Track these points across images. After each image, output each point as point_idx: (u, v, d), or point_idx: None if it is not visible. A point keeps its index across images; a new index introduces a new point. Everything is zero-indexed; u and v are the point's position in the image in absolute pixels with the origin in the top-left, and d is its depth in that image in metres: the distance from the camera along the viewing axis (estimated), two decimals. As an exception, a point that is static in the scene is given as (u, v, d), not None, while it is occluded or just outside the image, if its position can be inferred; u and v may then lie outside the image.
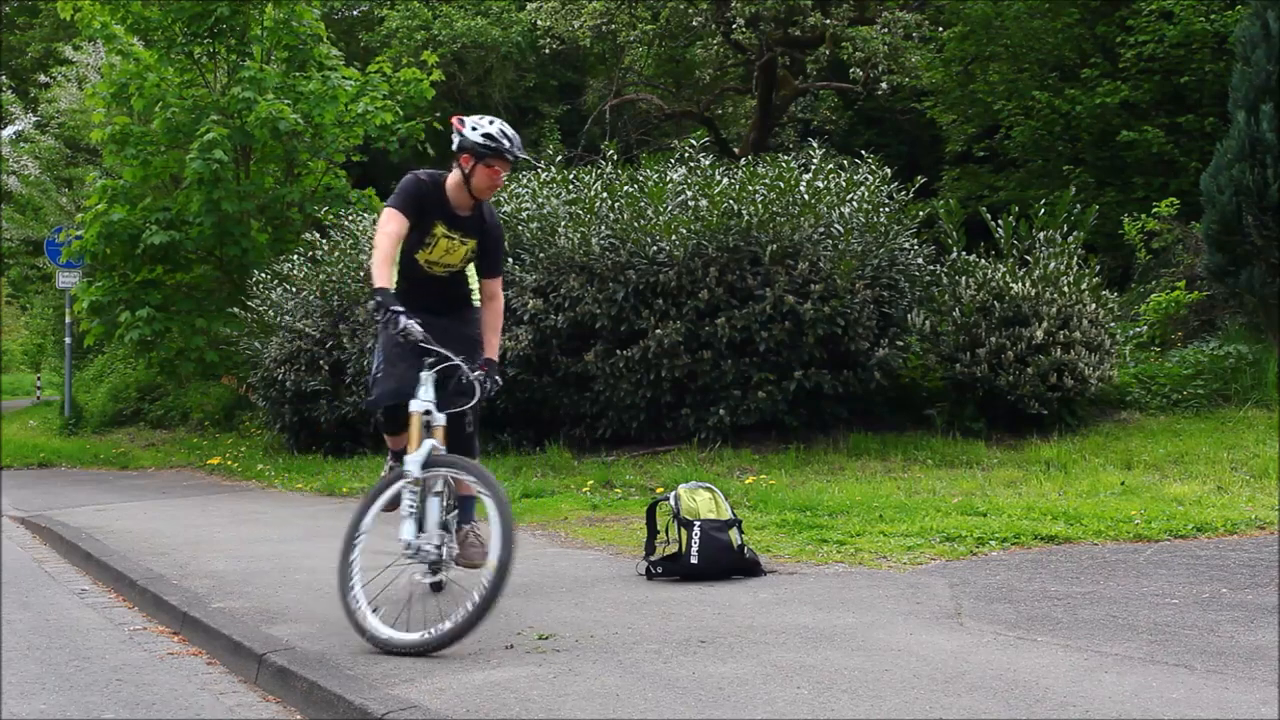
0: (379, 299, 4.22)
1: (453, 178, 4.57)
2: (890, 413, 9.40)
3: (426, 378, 4.32)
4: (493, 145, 4.46)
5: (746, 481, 7.65)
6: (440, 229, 4.56)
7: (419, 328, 4.21)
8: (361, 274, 10.65)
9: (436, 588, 4.42)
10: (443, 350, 4.30)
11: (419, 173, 4.60)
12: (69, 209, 19.80)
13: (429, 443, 4.22)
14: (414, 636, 3.95)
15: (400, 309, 4.21)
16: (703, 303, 8.66)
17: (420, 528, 4.17)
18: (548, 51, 19.21)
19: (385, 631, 4.02)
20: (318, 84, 14.25)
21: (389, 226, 4.40)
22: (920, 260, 9.32)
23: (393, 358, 4.48)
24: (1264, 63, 9.48)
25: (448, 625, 3.90)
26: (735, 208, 8.78)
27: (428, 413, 4.29)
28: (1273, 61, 9.44)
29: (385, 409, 4.62)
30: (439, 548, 4.17)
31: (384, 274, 4.29)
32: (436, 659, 3.89)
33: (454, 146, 4.52)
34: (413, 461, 4.18)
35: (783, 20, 16.12)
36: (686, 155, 10.00)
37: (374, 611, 4.08)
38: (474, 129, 4.49)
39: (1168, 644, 3.71)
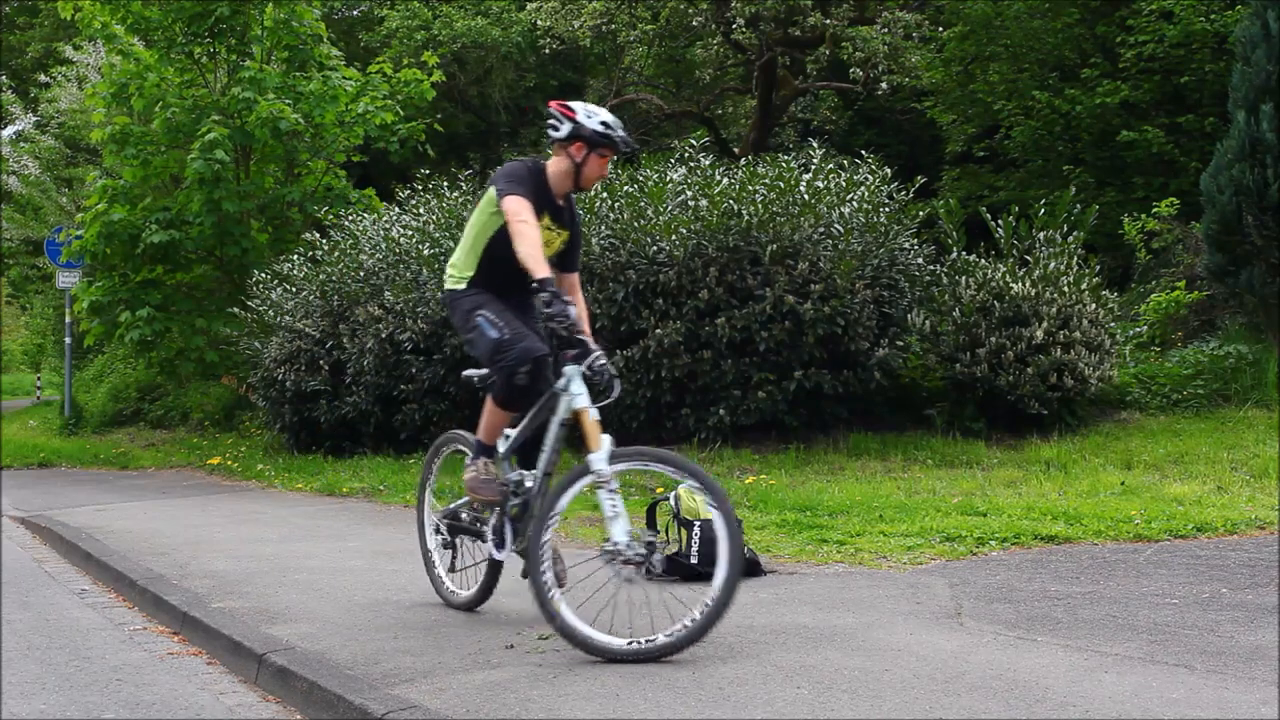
0: (550, 290, 3.98)
1: (556, 166, 4.42)
2: (890, 413, 9.40)
3: (575, 372, 4.16)
4: (608, 134, 4.34)
5: (746, 481, 7.65)
6: (546, 219, 4.40)
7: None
8: (361, 274, 10.67)
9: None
10: (594, 346, 4.19)
11: (524, 160, 4.45)
12: (69, 209, 19.81)
13: (607, 438, 4.04)
14: (620, 642, 3.78)
15: (569, 300, 4.03)
16: (703, 303, 8.66)
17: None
18: (548, 51, 19.21)
19: (582, 626, 3.83)
20: (318, 84, 14.26)
21: (529, 215, 4.15)
22: (920, 260, 9.32)
23: (514, 324, 4.30)
24: (1264, 63, 9.48)
25: (676, 633, 3.74)
26: (735, 208, 8.78)
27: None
28: (1273, 61, 9.44)
29: (534, 361, 4.24)
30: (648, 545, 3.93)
31: (543, 264, 4.06)
32: (436, 659, 3.89)
33: (561, 134, 4.35)
34: (599, 459, 3.99)
35: (783, 20, 16.12)
36: (686, 155, 10.00)
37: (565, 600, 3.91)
38: (590, 116, 4.35)
39: (1168, 644, 3.70)
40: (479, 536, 4.58)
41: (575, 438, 4.40)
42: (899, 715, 3.11)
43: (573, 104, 4.42)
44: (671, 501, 5.29)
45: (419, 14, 21.88)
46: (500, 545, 4.42)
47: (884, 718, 3.10)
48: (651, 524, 5.33)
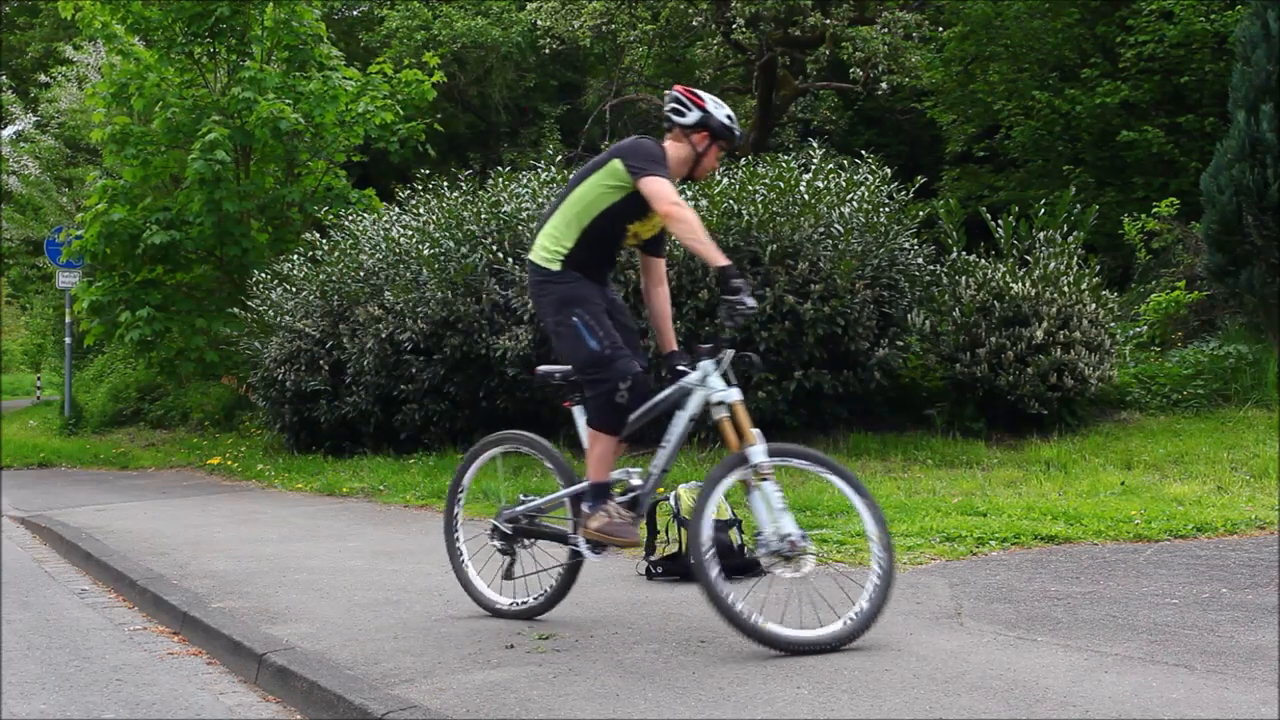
0: (735, 276, 3.89)
1: (676, 152, 4.31)
2: (890, 413, 9.40)
3: (711, 366, 4.09)
4: (731, 128, 4.32)
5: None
6: None
7: None
8: (361, 274, 10.66)
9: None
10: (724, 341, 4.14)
11: (649, 139, 4.30)
12: (69, 209, 19.81)
13: (756, 431, 3.99)
14: (808, 634, 3.80)
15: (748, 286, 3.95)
16: (703, 303, 8.66)
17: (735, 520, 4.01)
18: (548, 51, 19.20)
19: (783, 629, 3.81)
20: (318, 84, 14.26)
21: (680, 199, 4.04)
22: (920, 260, 9.31)
23: (612, 333, 4.14)
24: (1264, 63, 9.48)
25: (845, 625, 3.80)
26: (735, 208, 8.78)
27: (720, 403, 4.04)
28: (1273, 61, 9.44)
29: (634, 377, 4.12)
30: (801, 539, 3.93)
31: (721, 253, 3.97)
32: (436, 659, 3.89)
33: (688, 120, 4.27)
34: (759, 452, 3.93)
35: (783, 20, 16.11)
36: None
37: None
38: (718, 107, 4.29)
39: (1168, 644, 3.70)
40: (560, 539, 4.39)
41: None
42: (899, 715, 3.11)
43: (700, 92, 4.35)
44: (671, 501, 5.29)
45: (419, 14, 21.88)
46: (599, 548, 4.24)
47: (884, 718, 3.10)
48: (651, 524, 5.33)
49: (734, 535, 5.16)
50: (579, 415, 4.36)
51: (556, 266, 4.26)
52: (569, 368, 4.33)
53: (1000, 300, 8.60)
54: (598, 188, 4.25)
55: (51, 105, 21.35)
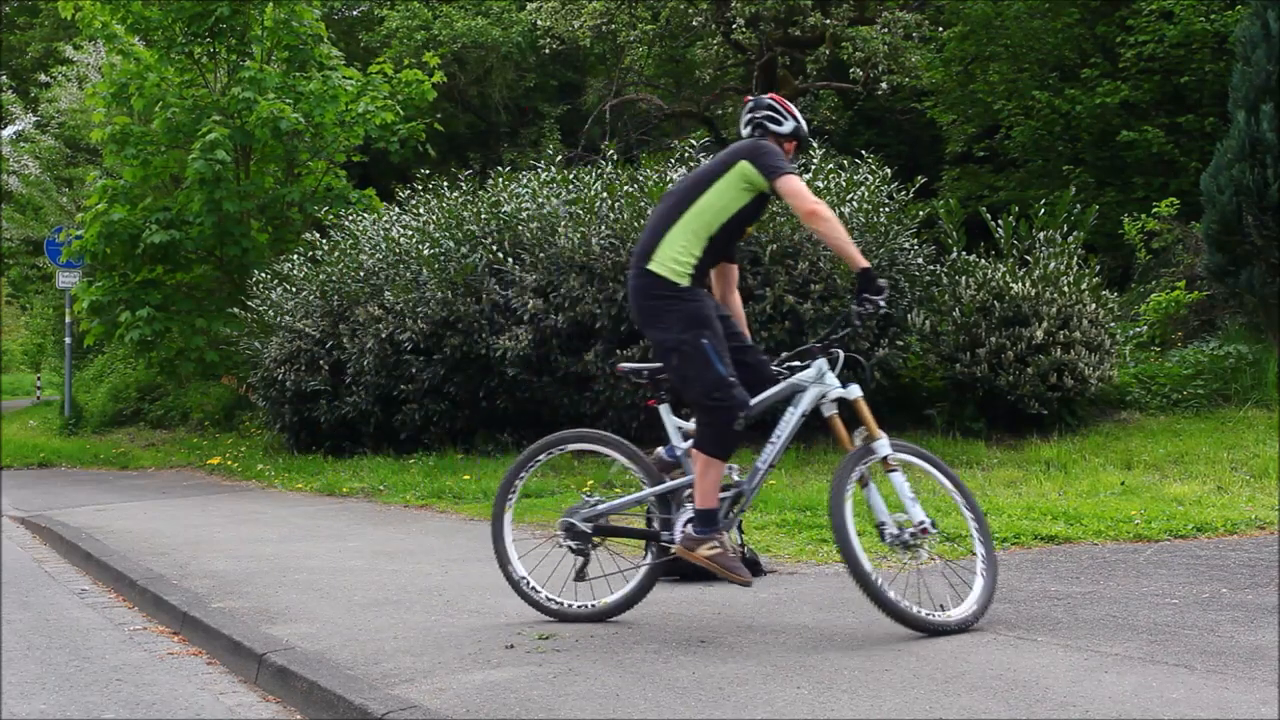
0: (879, 277, 3.98)
1: None
2: (890, 413, 9.38)
3: (825, 364, 4.20)
4: (809, 141, 4.39)
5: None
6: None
7: None
8: (361, 274, 10.66)
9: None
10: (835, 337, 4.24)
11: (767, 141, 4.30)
12: (69, 209, 19.82)
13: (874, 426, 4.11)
14: (940, 617, 3.96)
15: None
16: (703, 303, 8.65)
17: (879, 510, 4.09)
18: (548, 51, 19.20)
19: (925, 613, 3.97)
20: (318, 84, 14.26)
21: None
22: (920, 260, 9.32)
23: (728, 357, 4.11)
24: (1264, 63, 9.48)
25: (969, 608, 3.98)
26: (735, 208, 8.77)
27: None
28: (1273, 61, 9.44)
29: (752, 413, 4.15)
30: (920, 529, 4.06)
31: (858, 251, 4.08)
32: (436, 659, 3.89)
33: (784, 129, 4.31)
34: (884, 445, 4.07)
35: (783, 20, 16.12)
36: (686, 155, 10.00)
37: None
38: (804, 120, 4.37)
39: (1168, 644, 3.70)
40: (653, 538, 4.34)
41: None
42: (899, 715, 3.11)
43: (788, 103, 4.41)
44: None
45: (419, 14, 21.89)
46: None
47: (884, 718, 3.10)
48: (651, 523, 5.32)
49: (734, 535, 5.15)
50: (666, 414, 4.35)
51: (685, 282, 4.16)
52: (658, 365, 4.30)
53: (1000, 300, 8.60)
54: (728, 193, 4.19)
55: (51, 105, 21.36)
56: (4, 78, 24.96)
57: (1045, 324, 8.44)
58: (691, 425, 4.27)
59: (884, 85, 16.30)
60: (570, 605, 4.40)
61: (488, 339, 9.43)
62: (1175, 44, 13.37)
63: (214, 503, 9.10)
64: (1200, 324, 10.37)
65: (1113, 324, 9.01)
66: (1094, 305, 8.71)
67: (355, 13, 25.00)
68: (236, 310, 13.03)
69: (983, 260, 8.96)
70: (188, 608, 4.88)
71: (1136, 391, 9.14)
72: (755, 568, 5.14)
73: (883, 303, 4.04)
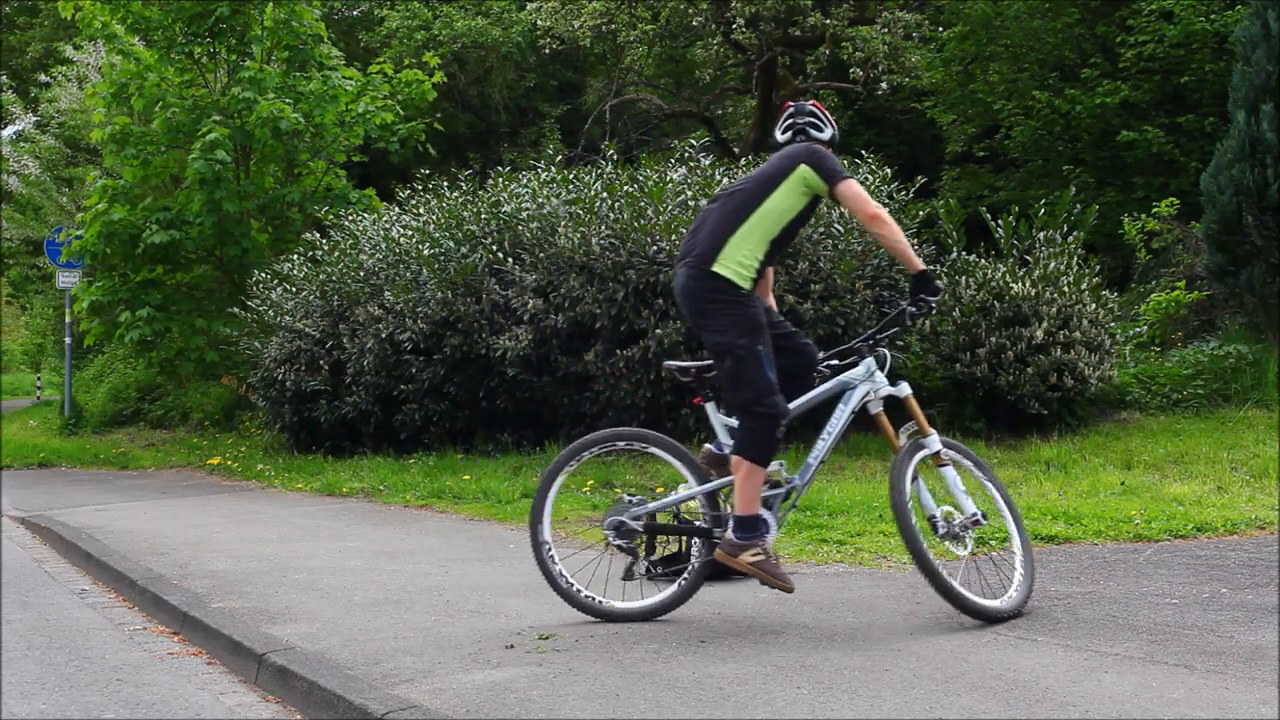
0: (936, 278, 4.12)
1: None
2: (890, 412, 9.39)
3: (873, 363, 4.35)
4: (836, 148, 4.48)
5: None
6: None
7: None
8: (361, 274, 10.66)
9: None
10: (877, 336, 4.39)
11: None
12: (69, 209, 19.83)
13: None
14: (994, 604, 4.12)
15: None
16: (703, 303, 8.65)
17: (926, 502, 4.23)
18: (548, 51, 19.19)
19: (987, 601, 4.13)
20: (318, 84, 14.26)
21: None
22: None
23: (773, 366, 4.16)
24: (1264, 63, 9.47)
25: (1018, 598, 4.15)
26: (735, 208, 8.77)
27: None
28: (1273, 61, 9.44)
29: (792, 417, 4.24)
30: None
31: (915, 254, 4.29)
32: (436, 659, 3.89)
33: (824, 136, 4.42)
34: (935, 441, 4.26)
35: (783, 20, 16.10)
36: (686, 155, 10.00)
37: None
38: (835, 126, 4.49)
39: (1168, 644, 3.70)
40: (703, 535, 4.36)
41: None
42: (899, 715, 3.11)
43: (827, 111, 4.52)
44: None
45: (419, 14, 21.88)
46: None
47: (884, 718, 3.10)
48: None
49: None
50: (712, 411, 4.38)
51: (748, 286, 4.21)
52: (705, 364, 4.35)
53: (1000, 300, 8.60)
54: (789, 197, 4.26)
55: (51, 105, 21.36)
56: (4, 78, 24.96)
57: (1045, 324, 8.44)
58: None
59: (884, 85, 16.29)
60: (616, 605, 4.39)
61: (488, 339, 9.43)
62: (1175, 44, 13.36)
63: (214, 503, 9.10)
64: (1200, 324, 10.37)
65: (1113, 324, 9.01)
66: (1094, 305, 8.71)
67: (355, 13, 25.00)
68: (236, 310, 13.03)
69: (983, 260, 8.96)
70: (188, 608, 4.88)
71: (1136, 391, 9.14)
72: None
73: (935, 303, 4.19)
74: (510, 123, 23.90)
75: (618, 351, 8.85)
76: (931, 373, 9.35)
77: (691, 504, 5.14)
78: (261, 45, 14.63)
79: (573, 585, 4.39)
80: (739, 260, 4.19)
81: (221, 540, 6.85)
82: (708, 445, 4.44)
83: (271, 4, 14.27)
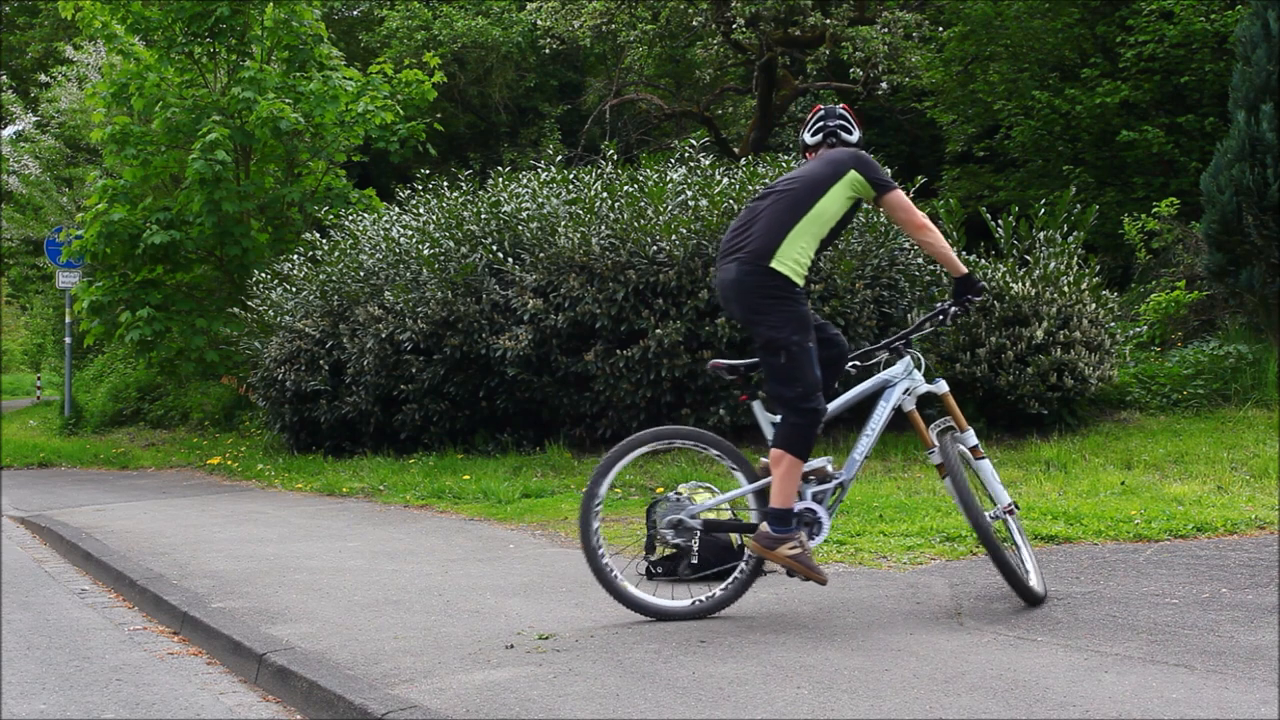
0: (980, 280, 4.27)
1: None
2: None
3: (910, 360, 4.52)
4: None
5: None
6: None
7: None
8: (361, 274, 10.66)
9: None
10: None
11: None
12: (69, 209, 19.83)
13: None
14: (1039, 589, 4.33)
15: None
16: (703, 303, 8.66)
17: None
18: (548, 51, 19.21)
19: (1035, 586, 4.32)
20: (318, 84, 14.27)
21: None
22: (920, 260, 9.32)
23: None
24: (1264, 63, 9.47)
25: (1038, 582, 4.36)
26: (735, 207, 8.78)
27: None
28: (1273, 61, 9.44)
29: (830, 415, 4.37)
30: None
31: (958, 260, 4.47)
32: (436, 659, 3.89)
33: (854, 139, 4.56)
34: (971, 436, 4.48)
35: (783, 20, 16.11)
36: (686, 155, 10.00)
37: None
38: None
39: (1168, 644, 3.70)
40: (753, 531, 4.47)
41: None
42: (899, 715, 3.11)
43: (854, 115, 4.65)
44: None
45: (419, 14, 21.88)
46: (814, 535, 4.34)
47: (884, 718, 3.10)
48: (652, 524, 5.32)
49: (734, 536, 5.16)
50: (759, 410, 4.47)
51: (801, 283, 4.29)
52: (751, 362, 4.45)
53: (1000, 300, 8.60)
54: (840, 199, 4.35)
55: (51, 105, 21.36)
56: (4, 78, 24.95)
57: (1045, 324, 8.44)
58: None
59: (884, 85, 16.30)
60: (675, 605, 4.40)
61: (488, 339, 9.43)
62: (1175, 44, 13.36)
63: (214, 503, 9.10)
64: (1200, 324, 10.37)
65: (1113, 324, 9.01)
66: (1094, 305, 8.71)
67: (355, 13, 24.99)
68: (236, 310, 13.03)
69: (983, 260, 8.96)
70: (188, 608, 4.88)
71: (1136, 391, 9.14)
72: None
73: (979, 302, 4.42)
74: (510, 123, 23.90)
75: (618, 351, 8.86)
76: (931, 373, 9.34)
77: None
78: (261, 45, 14.63)
79: (623, 582, 4.41)
80: (794, 258, 4.26)
81: (221, 540, 6.85)
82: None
83: (272, 4, 14.27)
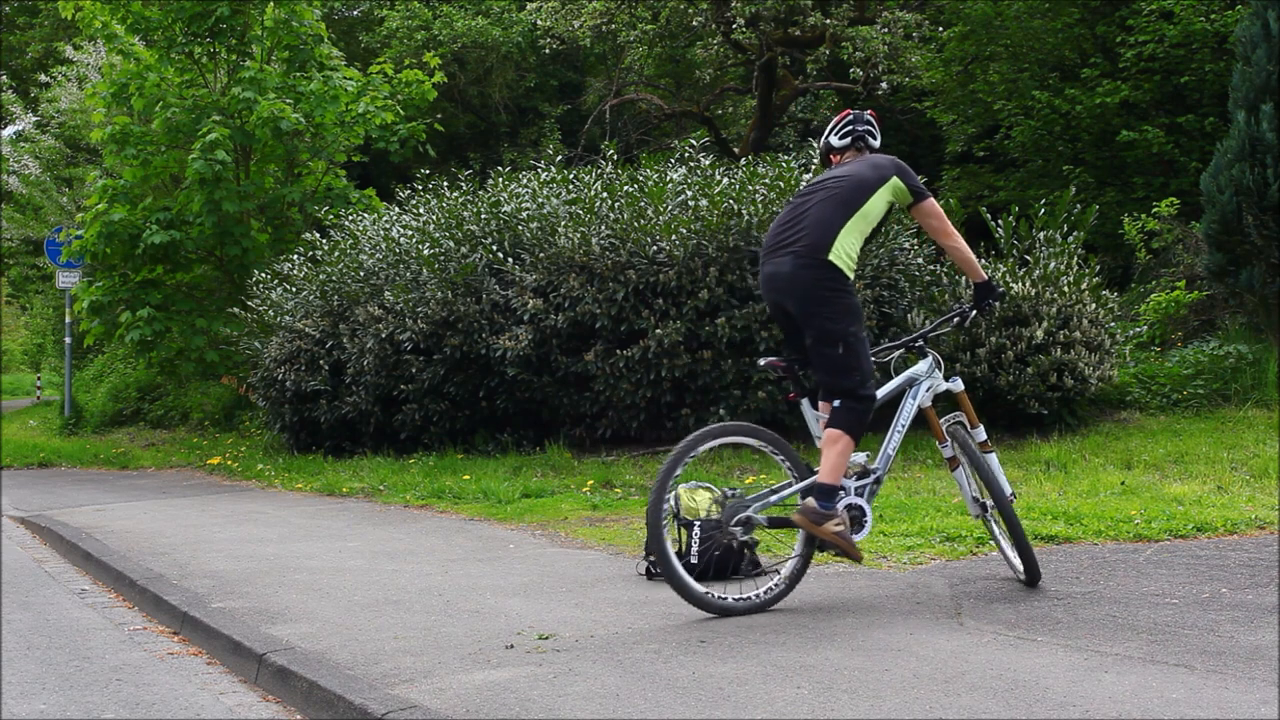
0: (999, 285, 4.53)
1: None
2: (890, 412, 9.38)
3: (931, 360, 4.75)
4: None
5: (746, 481, 7.65)
6: None
7: None
8: (361, 274, 10.66)
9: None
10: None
11: None
12: (69, 209, 19.84)
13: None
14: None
15: None
16: (703, 302, 8.67)
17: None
18: (548, 51, 19.20)
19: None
20: (318, 84, 14.27)
21: None
22: (920, 260, 9.32)
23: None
24: (1264, 63, 9.47)
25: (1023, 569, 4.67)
26: (735, 207, 8.78)
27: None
28: (1273, 61, 9.44)
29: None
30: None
31: (980, 267, 4.78)
32: (436, 659, 3.89)
33: (877, 144, 4.87)
34: (981, 431, 4.71)
35: (783, 20, 16.11)
36: (686, 155, 10.00)
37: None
38: None
39: (1168, 644, 3.70)
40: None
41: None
42: (899, 715, 3.11)
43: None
44: (671, 501, 5.28)
45: (419, 14, 21.89)
46: (859, 529, 4.47)
47: (884, 718, 3.10)
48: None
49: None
50: (807, 408, 4.62)
51: (852, 277, 4.46)
52: (799, 359, 4.55)
53: (1000, 300, 8.60)
54: (882, 201, 4.56)
55: (51, 105, 21.36)
56: (4, 78, 24.95)
57: (1045, 324, 8.44)
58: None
59: (884, 85, 16.29)
60: (736, 599, 4.44)
61: (488, 339, 9.44)
62: (1175, 44, 13.36)
63: (214, 503, 9.10)
64: (1200, 324, 10.37)
65: (1113, 324, 9.01)
66: (1094, 305, 8.71)
67: (355, 13, 25.00)
68: (236, 310, 13.03)
69: (983, 260, 8.96)
70: (188, 608, 4.88)
71: (1136, 391, 9.14)
72: (755, 568, 5.15)
73: (998, 306, 4.52)
74: (510, 123, 23.90)
75: (618, 351, 8.86)
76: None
77: (694, 506, 5.17)
78: (262, 45, 14.63)
79: (695, 586, 4.40)
80: (847, 252, 4.41)
81: (221, 540, 6.85)
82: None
83: (272, 4, 14.27)
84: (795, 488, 4.50)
